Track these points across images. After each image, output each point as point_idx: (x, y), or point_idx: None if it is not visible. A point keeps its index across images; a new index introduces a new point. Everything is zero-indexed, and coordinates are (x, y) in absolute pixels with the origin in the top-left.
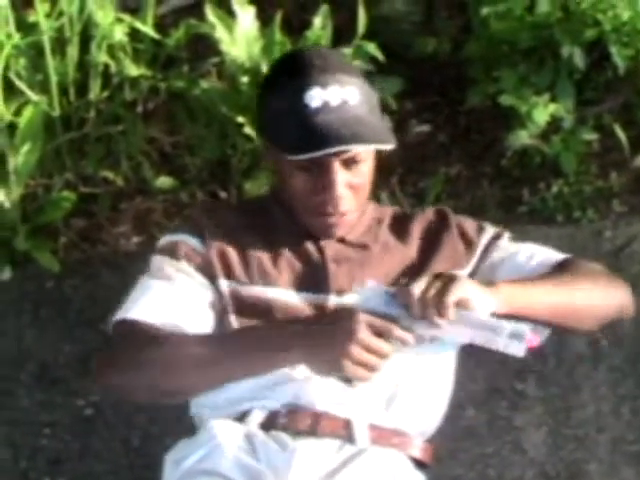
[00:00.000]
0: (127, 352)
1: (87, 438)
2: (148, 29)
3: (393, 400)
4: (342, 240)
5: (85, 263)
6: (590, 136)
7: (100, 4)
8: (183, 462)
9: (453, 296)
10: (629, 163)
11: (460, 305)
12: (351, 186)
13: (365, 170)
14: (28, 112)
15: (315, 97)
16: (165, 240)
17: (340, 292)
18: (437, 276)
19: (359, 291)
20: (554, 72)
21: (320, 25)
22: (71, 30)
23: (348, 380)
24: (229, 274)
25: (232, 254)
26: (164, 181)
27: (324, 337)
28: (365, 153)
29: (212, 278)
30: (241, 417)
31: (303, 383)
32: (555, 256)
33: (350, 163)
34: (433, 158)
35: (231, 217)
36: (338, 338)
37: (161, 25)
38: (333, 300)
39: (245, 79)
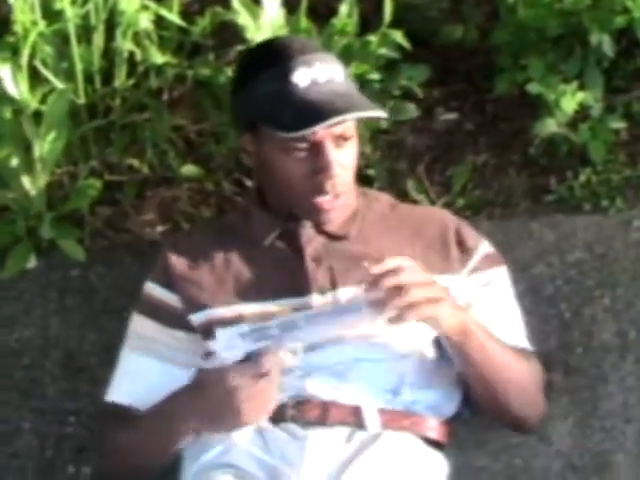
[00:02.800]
0: (107, 441)
1: None
2: (174, 17)
3: (400, 387)
4: (322, 232)
5: (110, 251)
6: (618, 124)
7: None
8: (201, 457)
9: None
10: None
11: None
12: (342, 166)
13: (352, 149)
14: (54, 100)
15: (303, 76)
16: (144, 290)
17: (322, 291)
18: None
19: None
20: (582, 60)
21: (346, 13)
22: (96, 18)
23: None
24: (201, 306)
25: (205, 281)
26: (189, 169)
27: (214, 408)
28: (352, 129)
29: (185, 323)
30: None
31: (302, 377)
32: (521, 336)
33: (340, 140)
34: (460, 146)
35: (199, 243)
36: (224, 406)
37: (186, 13)
38: (316, 300)
39: None
